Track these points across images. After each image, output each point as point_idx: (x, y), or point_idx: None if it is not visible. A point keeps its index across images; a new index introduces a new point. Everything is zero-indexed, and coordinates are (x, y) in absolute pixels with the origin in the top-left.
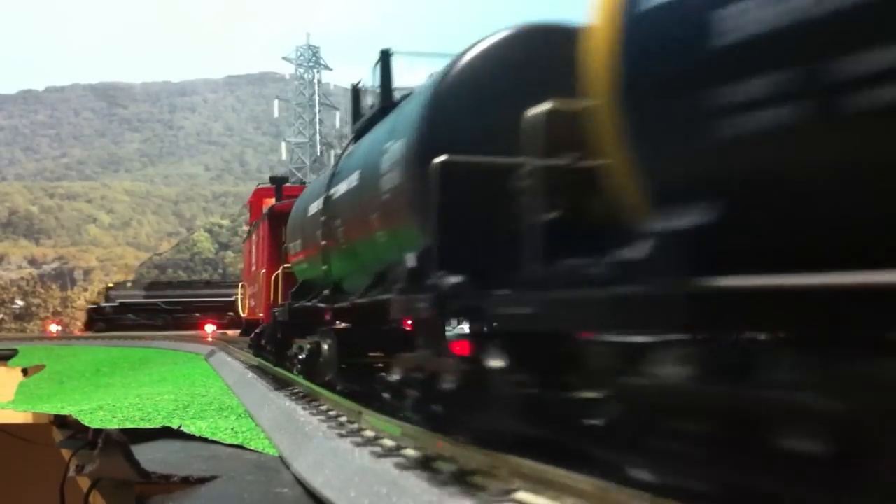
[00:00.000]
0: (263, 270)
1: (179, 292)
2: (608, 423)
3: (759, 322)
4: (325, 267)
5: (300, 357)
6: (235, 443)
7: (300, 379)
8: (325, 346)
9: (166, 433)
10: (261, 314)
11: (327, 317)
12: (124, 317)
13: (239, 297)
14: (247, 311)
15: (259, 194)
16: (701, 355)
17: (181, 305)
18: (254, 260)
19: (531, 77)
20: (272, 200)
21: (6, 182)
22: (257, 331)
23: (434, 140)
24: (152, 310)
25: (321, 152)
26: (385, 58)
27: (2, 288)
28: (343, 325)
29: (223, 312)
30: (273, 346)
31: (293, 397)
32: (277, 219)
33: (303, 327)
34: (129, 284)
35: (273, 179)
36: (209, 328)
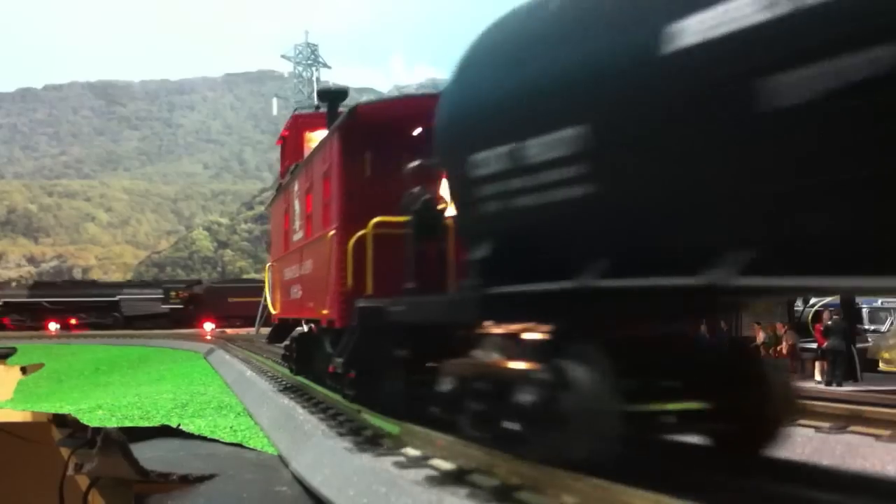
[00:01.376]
0: (331, 232)
1: (64, 292)
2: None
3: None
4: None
5: (527, 401)
6: (234, 441)
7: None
8: (586, 377)
9: (165, 432)
10: (323, 311)
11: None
12: (7, 316)
13: (266, 285)
14: (279, 307)
15: (299, 123)
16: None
17: (64, 305)
18: (298, 224)
19: None
20: (318, 134)
21: (4, 180)
22: (295, 335)
23: None
24: (36, 309)
25: None
26: None
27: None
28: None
29: (106, 312)
30: (369, 374)
31: None
32: (365, 135)
33: (447, 338)
34: (13, 284)
35: (324, 94)
36: (208, 326)
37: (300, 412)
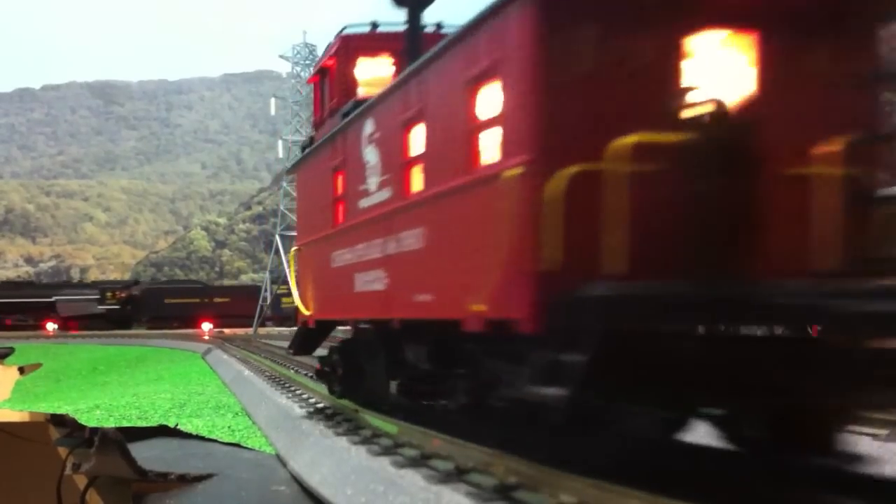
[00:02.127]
0: (515, 171)
1: (7, 293)
2: None
3: None
4: None
5: None
6: (232, 441)
7: None
8: None
9: (163, 431)
10: (475, 306)
11: None
12: None
13: (291, 275)
14: (315, 306)
15: (350, 47)
16: None
17: (1, 306)
18: (376, 182)
19: None
20: (380, 61)
21: (2, 180)
22: (337, 344)
23: None
24: None
25: None
26: None
27: None
28: None
29: (43, 313)
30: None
31: None
32: None
33: None
34: None
35: None
36: (206, 326)
37: (297, 412)
